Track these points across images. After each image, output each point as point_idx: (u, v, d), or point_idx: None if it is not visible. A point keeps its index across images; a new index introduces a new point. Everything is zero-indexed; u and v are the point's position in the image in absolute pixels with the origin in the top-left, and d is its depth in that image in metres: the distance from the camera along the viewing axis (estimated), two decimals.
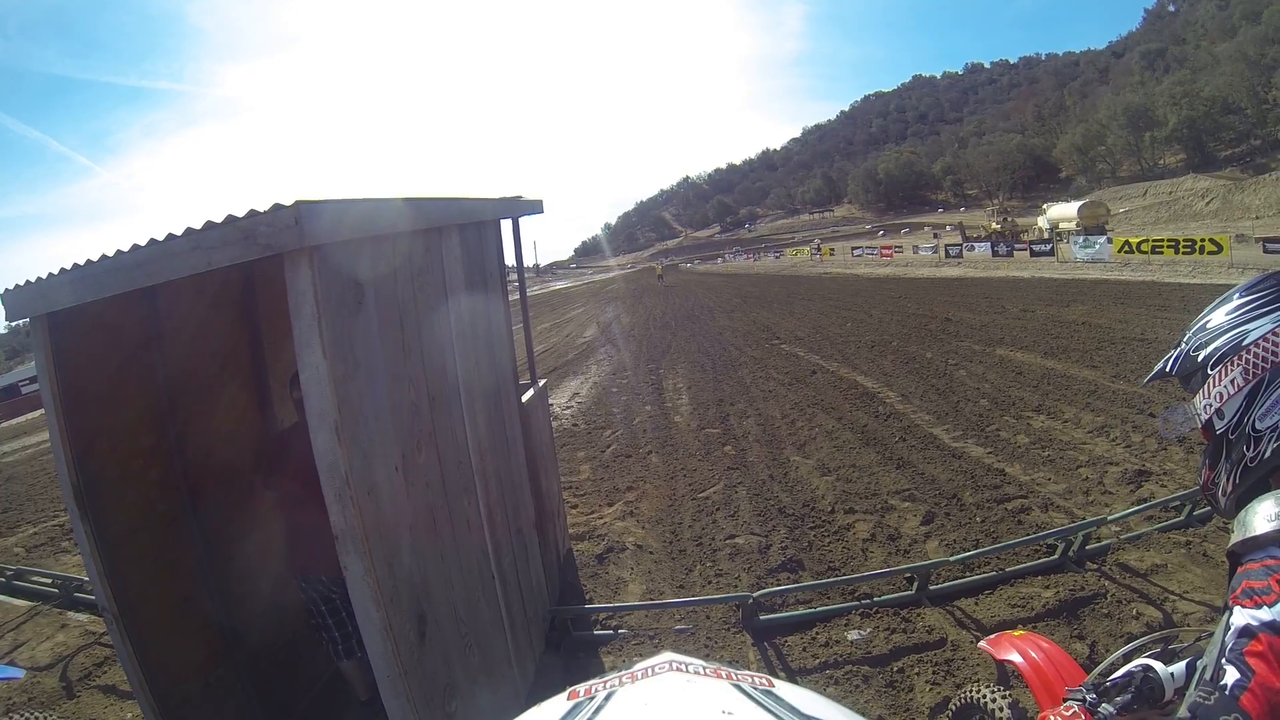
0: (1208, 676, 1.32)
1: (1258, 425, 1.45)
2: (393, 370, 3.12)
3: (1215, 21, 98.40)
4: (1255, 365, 1.45)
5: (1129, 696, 1.85)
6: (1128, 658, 2.11)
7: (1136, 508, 6.29)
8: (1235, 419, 1.49)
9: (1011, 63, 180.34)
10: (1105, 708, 1.82)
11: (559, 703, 1.45)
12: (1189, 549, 5.69)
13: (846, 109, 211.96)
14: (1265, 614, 1.25)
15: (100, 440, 3.58)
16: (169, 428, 4.09)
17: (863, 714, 4.36)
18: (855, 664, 4.86)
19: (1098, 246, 34.27)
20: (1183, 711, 1.33)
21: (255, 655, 4.42)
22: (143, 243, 2.72)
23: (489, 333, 4.80)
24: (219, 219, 2.56)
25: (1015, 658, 2.59)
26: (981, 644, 2.93)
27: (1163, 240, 31.72)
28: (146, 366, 3.99)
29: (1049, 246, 39.80)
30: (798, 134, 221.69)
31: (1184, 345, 1.60)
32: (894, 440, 9.71)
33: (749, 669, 4.99)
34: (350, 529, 2.65)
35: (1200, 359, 1.54)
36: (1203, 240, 29.35)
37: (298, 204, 2.42)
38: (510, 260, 5.78)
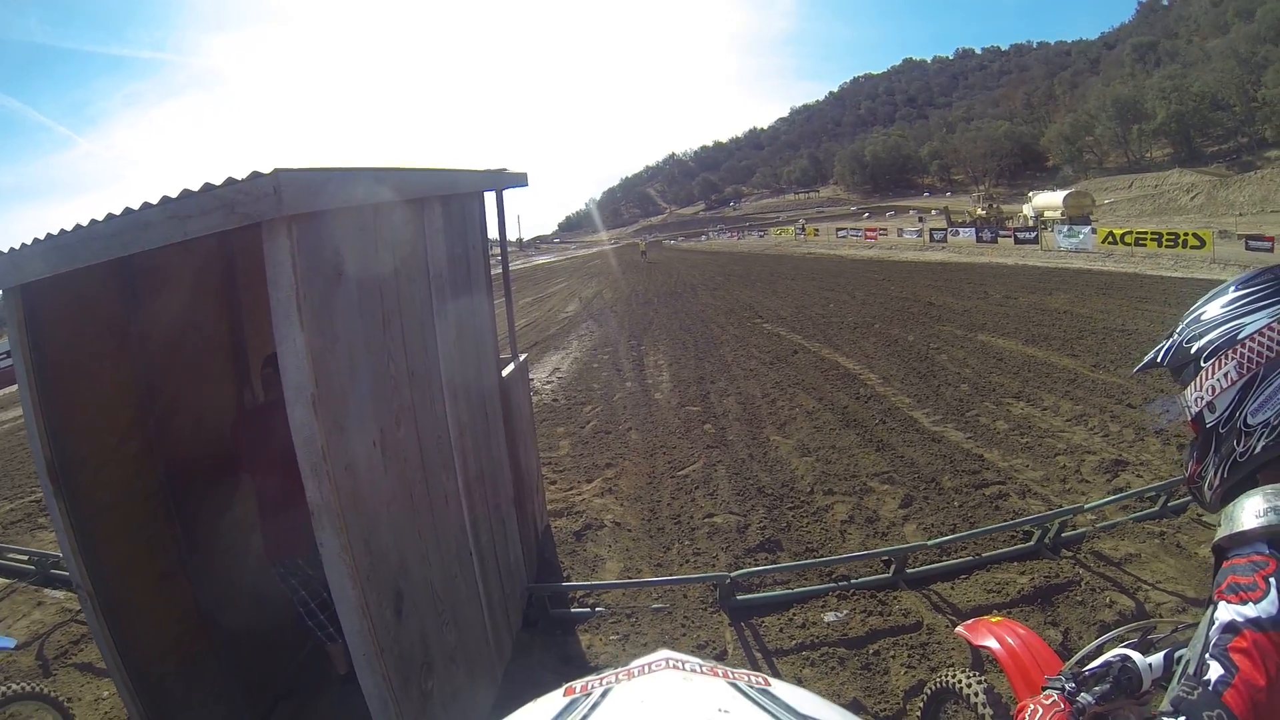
0: (1191, 671, 1.31)
1: (1250, 420, 1.43)
2: (372, 344, 3.06)
3: (1208, 17, 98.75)
4: (1250, 359, 1.42)
5: (1107, 686, 1.83)
6: (1105, 647, 2.10)
7: (1112, 497, 6.35)
8: (1227, 413, 1.46)
9: (1003, 49, 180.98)
10: (1084, 697, 1.80)
11: (555, 699, 1.44)
12: (1163, 539, 5.75)
13: (835, 90, 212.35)
14: (1250, 610, 1.24)
15: (76, 416, 3.50)
16: (148, 404, 4.00)
17: (837, 695, 4.38)
18: (831, 646, 4.88)
19: (1082, 236, 34.47)
20: (1165, 706, 1.32)
21: (233, 633, 4.36)
22: (118, 212, 2.63)
23: (470, 307, 4.74)
24: (196, 188, 2.48)
25: (992, 644, 2.58)
26: (958, 629, 2.92)
27: (1147, 233, 31.95)
28: (125, 342, 3.89)
29: (1034, 234, 39.97)
30: (785, 114, 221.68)
31: (1177, 336, 1.57)
32: (874, 422, 9.74)
33: (726, 648, 4.99)
34: (327, 504, 2.60)
35: (1193, 351, 1.51)
36: (1186, 235, 29.58)
37: (276, 172, 2.34)
38: (493, 234, 5.70)
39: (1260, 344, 1.41)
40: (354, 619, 2.76)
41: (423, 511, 3.51)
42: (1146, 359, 1.63)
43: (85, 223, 2.72)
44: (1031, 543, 5.88)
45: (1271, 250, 24.63)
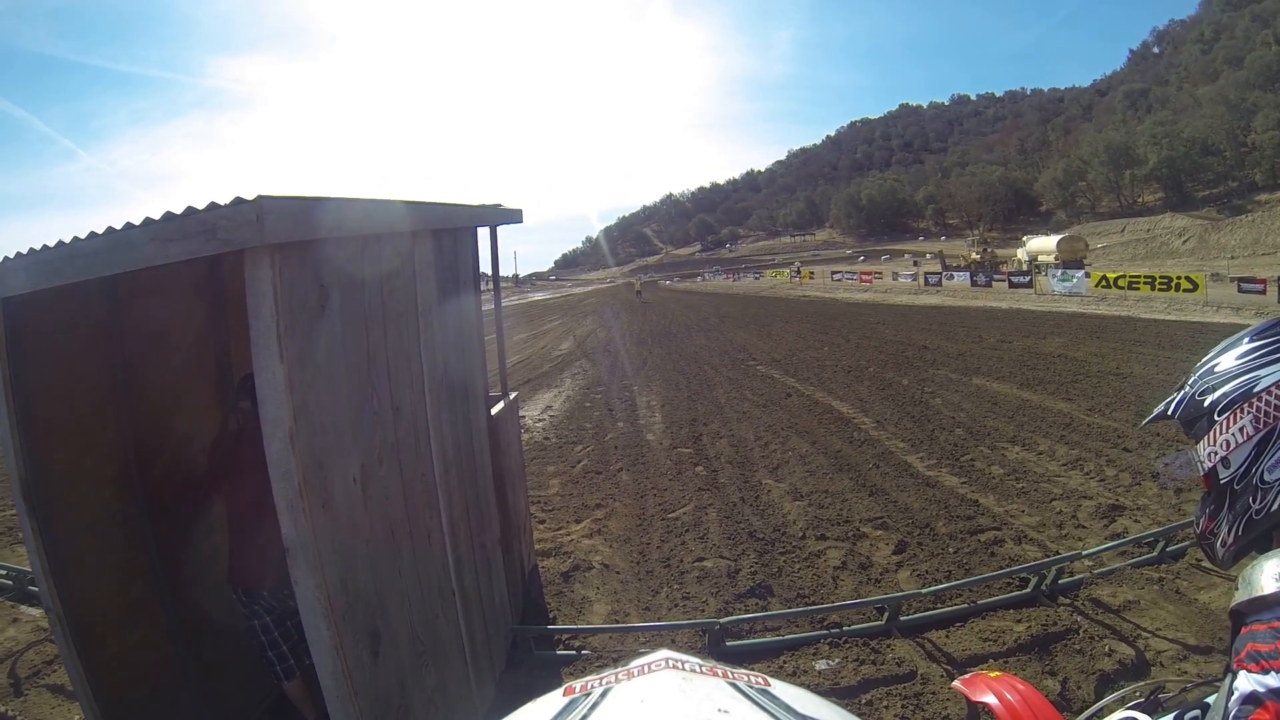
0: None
1: (1266, 477, 1.37)
2: (355, 378, 3.00)
3: (1198, 65, 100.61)
4: (1267, 414, 1.37)
5: None
6: (1110, 708, 2.01)
7: (1111, 544, 6.27)
8: (1242, 469, 1.41)
9: (997, 96, 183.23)
10: None
11: (555, 699, 1.38)
12: (1161, 585, 5.66)
13: (832, 134, 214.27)
14: (1273, 680, 1.16)
15: (53, 433, 3.43)
16: (127, 424, 3.92)
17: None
18: (823, 695, 4.74)
19: (1075, 280, 34.77)
20: None
21: (207, 664, 4.24)
22: (101, 231, 2.59)
23: (460, 342, 4.69)
24: (179, 210, 2.44)
25: (991, 700, 2.42)
26: (955, 684, 2.77)
27: (1140, 276, 32.28)
28: (106, 360, 3.83)
29: (1028, 278, 40.34)
30: (783, 156, 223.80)
31: (1189, 388, 1.51)
32: (868, 467, 9.66)
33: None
34: (302, 542, 2.52)
35: (1207, 404, 1.46)
36: (1179, 278, 29.89)
37: (260, 199, 2.30)
38: (486, 269, 5.68)
39: (1278, 398, 1.36)
40: (328, 660, 2.66)
41: (404, 550, 3.42)
42: (1156, 411, 1.58)
43: (69, 239, 2.68)
44: (1028, 590, 5.77)
45: (1264, 292, 24.89)
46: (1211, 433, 1.45)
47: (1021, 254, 51.58)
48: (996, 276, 44.67)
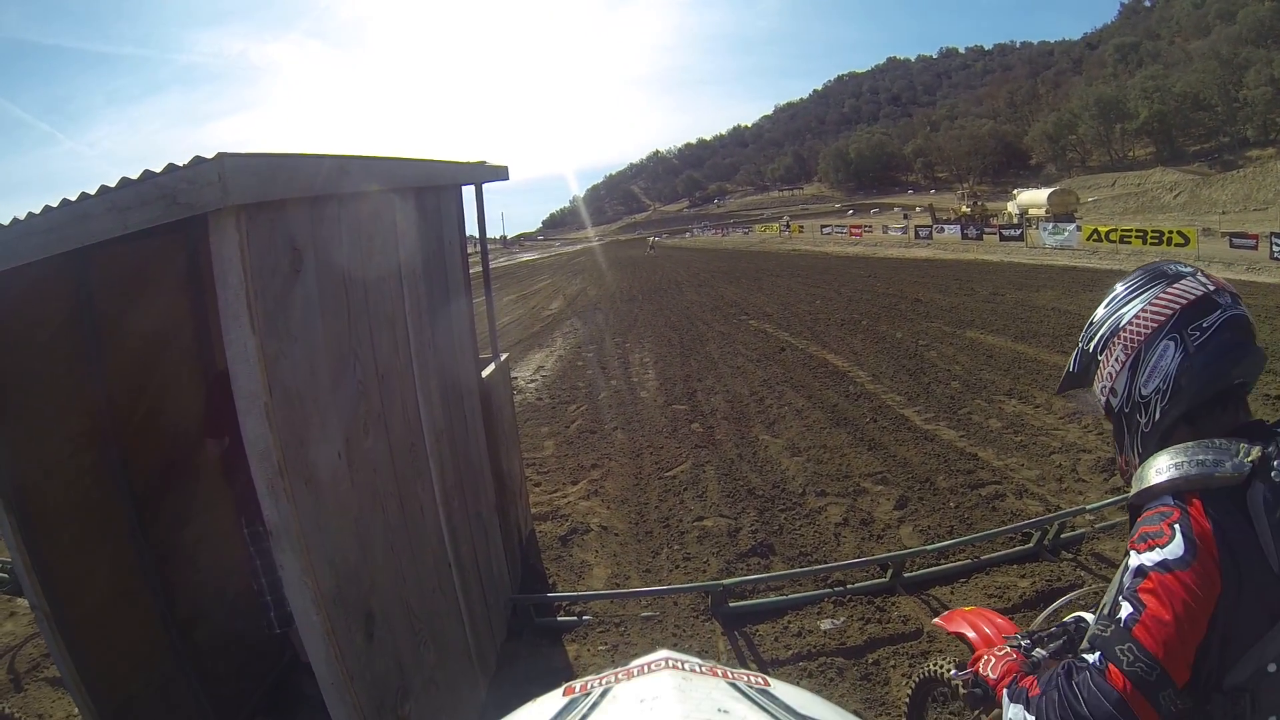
0: (1106, 612, 1.56)
1: (1144, 392, 1.62)
2: (336, 346, 2.82)
3: (1190, 19, 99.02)
4: (1133, 339, 1.63)
5: (1060, 643, 1.96)
6: (1060, 612, 2.29)
7: (1113, 499, 6.17)
8: (1125, 393, 1.66)
9: (986, 49, 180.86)
10: (1038, 651, 1.92)
11: (555, 698, 1.46)
12: None
13: (819, 88, 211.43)
14: (1157, 555, 1.41)
15: (26, 422, 3.25)
16: (106, 412, 3.73)
17: (840, 707, 4.19)
18: (829, 655, 4.68)
19: (1067, 233, 34.57)
20: (1084, 644, 1.53)
21: (202, 652, 4.12)
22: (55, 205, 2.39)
23: (447, 305, 4.50)
24: (136, 176, 2.24)
25: (966, 630, 2.64)
26: (935, 620, 2.98)
27: (1131, 230, 32.08)
28: (78, 345, 3.62)
29: (1018, 231, 40.11)
30: (770, 111, 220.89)
31: (1080, 345, 1.76)
32: (865, 421, 9.57)
33: (719, 658, 4.78)
34: (285, 524, 2.37)
35: (1091, 349, 1.72)
36: (1171, 232, 29.71)
37: (221, 157, 2.09)
38: (473, 229, 5.48)
39: (1137, 326, 1.63)
40: (319, 645, 2.53)
41: (395, 524, 3.28)
42: (1063, 376, 1.82)
43: (24, 216, 2.47)
44: (1031, 545, 5.71)
45: (1256, 248, 24.60)
46: (1098, 371, 1.71)
47: (1012, 207, 51.23)
48: (987, 229, 44.35)
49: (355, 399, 2.95)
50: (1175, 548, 1.40)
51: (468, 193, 5.25)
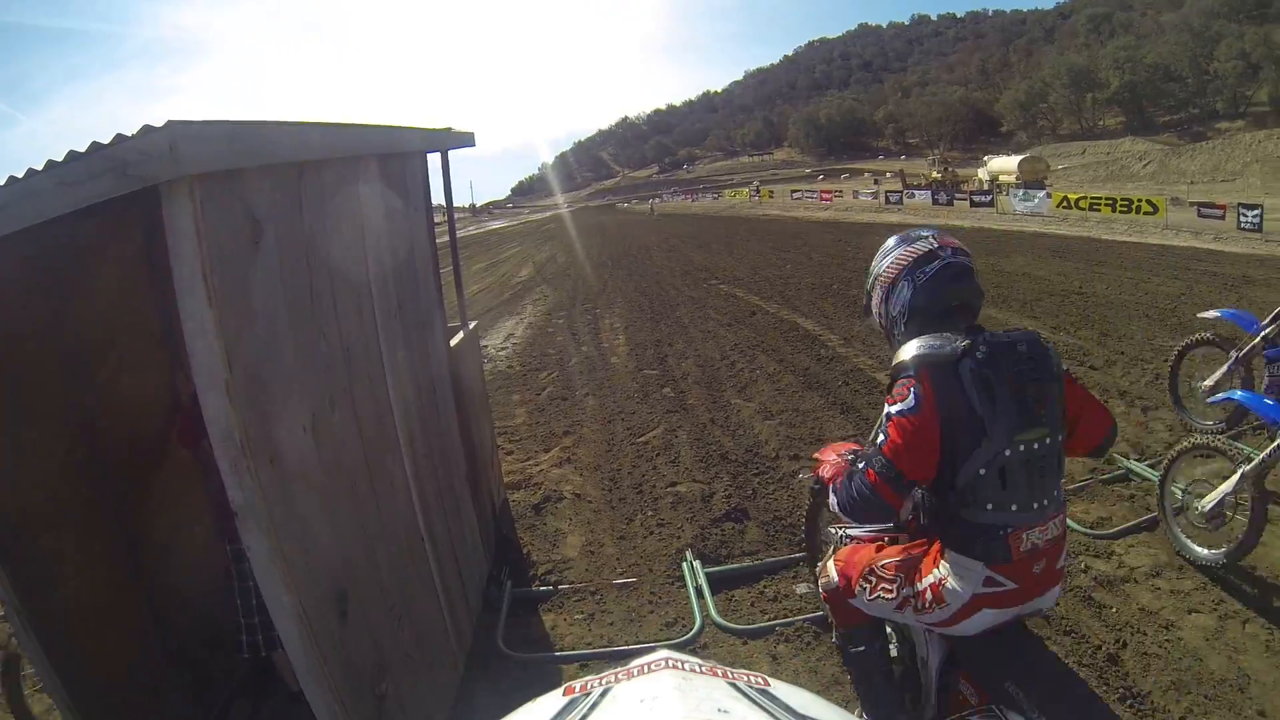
0: (872, 438, 2.61)
1: (893, 314, 2.61)
2: (299, 318, 2.72)
3: None
4: (884, 283, 2.62)
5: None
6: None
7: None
8: (884, 314, 2.66)
9: (958, 17, 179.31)
10: (860, 463, 2.52)
11: (555, 698, 1.46)
12: (1133, 502, 5.72)
13: (790, 54, 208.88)
14: (899, 406, 2.31)
15: None
16: (71, 399, 3.58)
17: (814, 672, 4.21)
18: (806, 620, 4.71)
19: (1037, 200, 34.88)
20: (859, 458, 2.54)
21: (187, 647, 4.02)
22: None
23: (413, 274, 4.40)
24: (83, 148, 2.12)
25: (827, 454, 3.26)
26: (814, 454, 3.60)
27: (1101, 198, 32.44)
28: (42, 329, 3.43)
29: (989, 198, 40.36)
30: (739, 77, 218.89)
31: (866, 289, 2.75)
32: (837, 384, 9.61)
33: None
34: (251, 504, 2.30)
35: (867, 289, 2.73)
36: (1140, 200, 30.06)
37: (171, 124, 1.98)
38: (440, 198, 5.36)
39: (885, 274, 2.62)
40: (292, 628, 2.47)
41: (366, 500, 3.22)
42: (862, 315, 2.87)
43: None
44: None
45: (1223, 218, 24.89)
46: (871, 304, 2.72)
47: (983, 174, 51.55)
48: (958, 195, 44.61)
49: (320, 373, 2.87)
50: (910, 401, 2.28)
51: (434, 161, 5.12)
